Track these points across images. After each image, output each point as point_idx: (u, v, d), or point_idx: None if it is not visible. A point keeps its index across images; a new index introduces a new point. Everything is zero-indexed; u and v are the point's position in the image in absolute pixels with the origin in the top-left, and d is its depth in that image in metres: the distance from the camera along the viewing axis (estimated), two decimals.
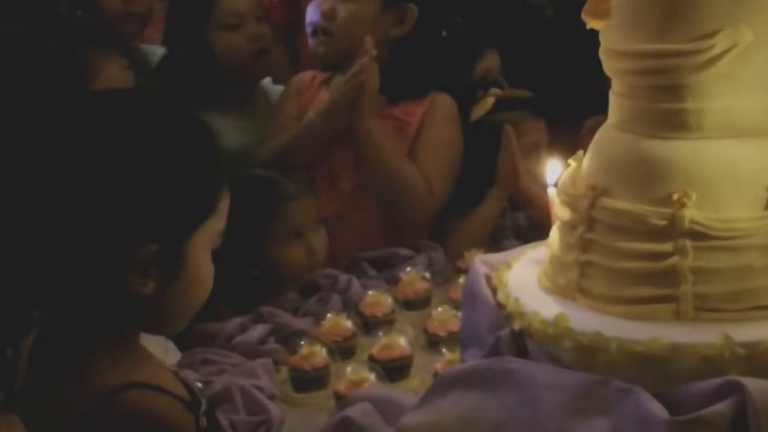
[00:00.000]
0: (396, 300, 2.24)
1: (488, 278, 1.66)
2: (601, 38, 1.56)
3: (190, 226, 1.30)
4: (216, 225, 1.34)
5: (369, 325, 2.16)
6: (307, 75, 2.71)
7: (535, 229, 2.27)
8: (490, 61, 3.02)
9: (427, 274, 2.34)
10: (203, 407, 1.36)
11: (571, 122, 2.65)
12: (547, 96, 2.73)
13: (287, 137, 2.58)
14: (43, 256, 1.26)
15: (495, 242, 2.50)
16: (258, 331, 2.11)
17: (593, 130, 1.63)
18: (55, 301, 1.30)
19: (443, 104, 2.63)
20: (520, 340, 1.52)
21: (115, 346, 1.30)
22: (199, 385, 1.71)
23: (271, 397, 1.88)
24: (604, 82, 1.60)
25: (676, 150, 1.48)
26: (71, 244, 1.24)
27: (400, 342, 1.97)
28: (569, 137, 2.44)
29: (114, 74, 2.13)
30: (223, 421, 1.76)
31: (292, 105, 2.67)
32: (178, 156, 1.29)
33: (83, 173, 1.24)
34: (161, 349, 1.83)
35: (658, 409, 1.34)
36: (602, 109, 1.61)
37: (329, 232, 2.38)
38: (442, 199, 2.58)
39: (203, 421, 1.34)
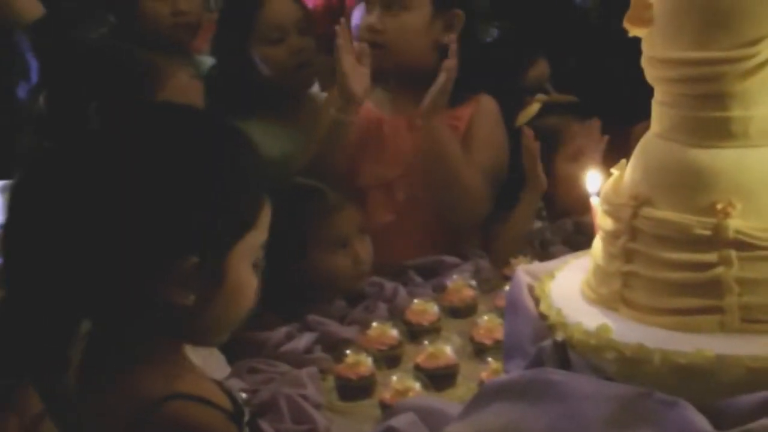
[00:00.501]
0: (442, 308, 2.23)
1: (531, 288, 1.65)
2: (644, 46, 1.54)
3: (231, 239, 1.30)
4: (258, 237, 1.34)
5: (415, 333, 2.16)
6: None
7: (582, 235, 2.26)
8: (540, 69, 3.00)
9: (474, 282, 2.32)
10: (246, 417, 1.36)
11: (619, 127, 2.62)
12: (593, 101, 2.71)
13: (319, 141, 2.55)
14: (84, 267, 1.27)
15: (542, 249, 2.49)
16: (304, 339, 2.12)
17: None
18: (98, 312, 1.31)
19: (489, 106, 2.62)
20: (563, 351, 1.51)
21: (158, 357, 1.31)
22: (243, 395, 1.72)
23: (317, 406, 1.89)
24: (651, 87, 1.58)
25: (721, 159, 1.46)
26: (111, 255, 1.26)
27: (446, 350, 1.97)
28: (616, 142, 2.41)
29: (182, 84, 2.12)
30: (269, 431, 1.77)
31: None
32: (217, 169, 1.29)
33: (122, 185, 1.25)
34: (207, 359, 1.84)
35: (702, 422, 1.33)
36: (649, 115, 1.59)
37: (382, 242, 2.38)
38: (491, 201, 2.57)
39: None
